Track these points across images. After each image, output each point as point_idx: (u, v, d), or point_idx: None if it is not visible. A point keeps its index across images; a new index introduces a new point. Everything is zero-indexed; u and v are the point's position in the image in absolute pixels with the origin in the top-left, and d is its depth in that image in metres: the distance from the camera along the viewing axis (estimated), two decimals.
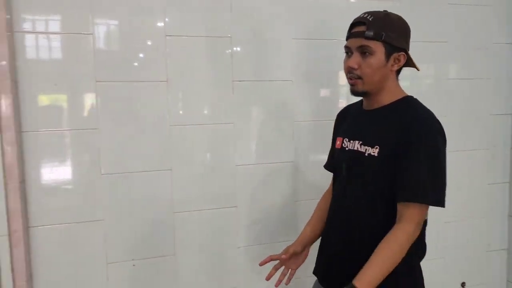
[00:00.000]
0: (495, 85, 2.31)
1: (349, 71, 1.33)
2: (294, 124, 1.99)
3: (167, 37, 1.80)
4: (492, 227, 2.40)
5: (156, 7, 1.78)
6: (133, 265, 1.83)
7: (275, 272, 1.47)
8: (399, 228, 1.22)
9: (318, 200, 1.63)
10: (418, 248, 1.33)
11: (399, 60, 1.33)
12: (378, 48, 1.28)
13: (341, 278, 1.25)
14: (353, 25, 1.34)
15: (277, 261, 1.49)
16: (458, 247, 2.33)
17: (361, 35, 1.28)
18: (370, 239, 1.26)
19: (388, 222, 1.26)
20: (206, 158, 1.91)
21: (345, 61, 1.35)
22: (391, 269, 1.20)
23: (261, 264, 1.47)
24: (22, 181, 1.64)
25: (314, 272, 1.52)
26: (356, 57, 1.30)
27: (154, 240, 1.85)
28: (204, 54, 1.85)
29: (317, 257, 1.52)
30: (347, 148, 1.41)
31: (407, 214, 1.23)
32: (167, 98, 1.81)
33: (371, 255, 1.21)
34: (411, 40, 1.36)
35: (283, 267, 1.50)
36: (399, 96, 1.37)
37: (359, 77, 1.31)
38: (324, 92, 2.08)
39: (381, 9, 1.35)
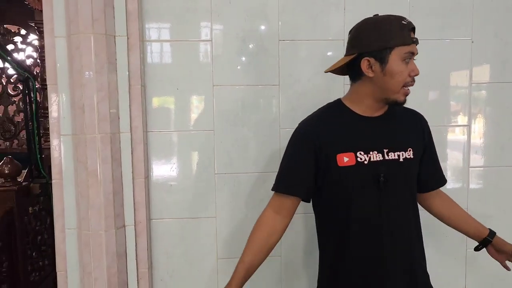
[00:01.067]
0: None
1: (413, 79, 1.28)
2: None
3: (280, 42, 1.83)
4: None
5: (269, 12, 1.82)
6: None
7: None
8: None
9: None
10: None
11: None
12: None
13: None
14: (410, 30, 1.26)
15: None
16: None
17: (417, 42, 1.28)
18: (419, 247, 1.40)
19: (417, 219, 1.40)
20: None
21: (409, 68, 1.26)
22: None
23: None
24: (147, 177, 1.79)
25: None
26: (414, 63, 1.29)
27: None
28: (316, 58, 1.85)
29: None
30: (366, 162, 1.29)
31: None
32: (279, 101, 1.85)
33: (463, 216, 1.50)
34: None
35: None
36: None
37: (412, 82, 1.30)
38: None
39: None
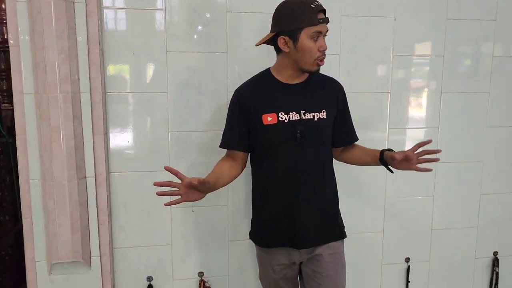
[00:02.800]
0: None
1: (323, 53, 1.54)
2: None
3: (228, 13, 2.03)
4: None
5: None
6: (192, 211, 2.14)
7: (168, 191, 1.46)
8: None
9: None
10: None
11: None
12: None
13: (319, 229, 1.63)
14: (318, 12, 1.50)
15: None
16: (494, 219, 2.44)
17: (327, 21, 1.53)
18: (324, 188, 1.66)
19: (331, 167, 1.71)
20: None
21: (317, 44, 1.51)
22: None
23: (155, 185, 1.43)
24: (106, 134, 1.97)
25: (276, 244, 1.66)
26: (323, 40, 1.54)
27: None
28: (259, 29, 2.07)
29: (275, 230, 1.65)
30: (286, 121, 1.57)
31: None
32: (227, 67, 2.06)
33: (360, 150, 1.77)
34: None
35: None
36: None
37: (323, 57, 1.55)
38: None
39: None
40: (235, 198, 2.17)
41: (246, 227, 2.05)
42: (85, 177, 1.92)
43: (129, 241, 2.10)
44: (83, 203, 1.91)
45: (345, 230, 1.75)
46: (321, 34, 1.52)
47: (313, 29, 1.49)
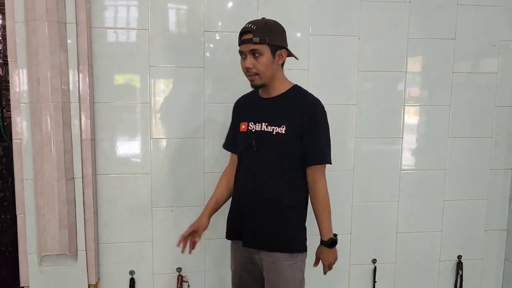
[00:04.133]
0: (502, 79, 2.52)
1: (247, 71, 1.71)
2: None
3: (206, 32, 2.25)
4: (492, 209, 2.63)
5: (195, 7, 2.23)
6: (172, 210, 2.34)
7: (184, 241, 1.88)
8: (320, 185, 1.76)
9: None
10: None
11: (282, 56, 1.73)
12: (265, 50, 1.68)
13: (260, 233, 1.79)
14: (242, 33, 1.71)
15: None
16: (457, 224, 2.60)
17: (250, 41, 1.67)
18: (277, 197, 1.76)
19: (292, 182, 1.77)
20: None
21: (242, 63, 1.73)
22: (330, 214, 1.79)
23: (178, 245, 1.88)
24: (93, 139, 2.20)
25: (232, 237, 1.90)
26: (250, 59, 1.69)
27: (189, 192, 2.35)
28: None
29: (231, 223, 1.90)
30: (253, 130, 1.77)
31: (319, 173, 1.76)
32: (204, 80, 2.27)
33: (316, 213, 1.78)
34: None
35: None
36: (289, 85, 1.79)
37: (256, 74, 1.70)
38: None
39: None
40: None
41: (222, 226, 2.24)
42: (73, 178, 2.13)
43: (113, 237, 2.31)
44: (71, 202, 2.13)
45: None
46: (243, 53, 1.71)
47: (239, 49, 1.72)
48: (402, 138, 2.48)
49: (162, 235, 2.35)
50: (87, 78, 2.12)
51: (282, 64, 1.78)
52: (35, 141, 2.05)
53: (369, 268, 2.55)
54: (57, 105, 2.03)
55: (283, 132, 1.72)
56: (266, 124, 1.76)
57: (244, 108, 1.88)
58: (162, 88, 2.28)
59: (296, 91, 1.80)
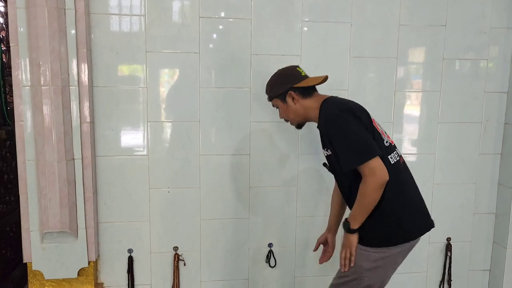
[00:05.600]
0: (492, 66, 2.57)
1: (284, 120, 1.98)
2: None
3: (201, 18, 2.31)
4: (481, 193, 2.70)
5: None
6: (168, 191, 2.43)
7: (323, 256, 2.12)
8: (362, 183, 1.71)
9: None
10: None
11: (291, 95, 1.87)
12: (277, 102, 1.93)
13: None
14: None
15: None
16: (446, 207, 2.67)
17: (269, 100, 1.99)
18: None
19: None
20: (221, 115, 2.43)
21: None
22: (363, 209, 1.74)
23: (314, 250, 2.14)
24: (92, 122, 2.28)
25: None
26: (278, 112, 1.97)
27: (185, 174, 2.44)
28: (231, 32, 2.35)
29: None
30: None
31: (362, 173, 1.69)
32: (199, 65, 2.34)
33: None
34: None
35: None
36: (318, 110, 1.83)
37: (287, 121, 1.96)
38: None
39: None
40: (207, 181, 2.45)
41: (218, 207, 2.35)
42: (73, 159, 2.22)
43: (112, 217, 2.40)
44: (71, 182, 2.22)
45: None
46: (274, 107, 1.99)
47: None
48: (392, 123, 2.55)
49: (159, 215, 2.44)
50: (86, 63, 2.20)
51: (305, 94, 1.86)
52: (36, 123, 2.14)
53: None
54: (57, 89, 2.11)
55: (330, 153, 1.85)
56: (324, 149, 1.92)
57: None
58: (158, 73, 2.35)
59: (320, 112, 1.83)
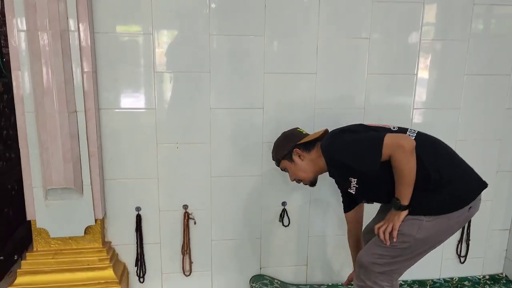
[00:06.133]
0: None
1: (293, 181, 1.98)
2: None
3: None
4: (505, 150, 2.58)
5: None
6: (177, 147, 2.29)
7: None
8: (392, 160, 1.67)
9: None
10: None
11: (297, 153, 1.90)
12: (285, 164, 1.95)
13: None
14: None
15: None
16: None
17: (276, 164, 2.02)
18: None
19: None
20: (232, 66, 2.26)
21: None
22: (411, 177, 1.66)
23: (345, 285, 2.19)
24: (94, 71, 2.11)
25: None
26: (288, 175, 1.98)
27: (194, 128, 2.30)
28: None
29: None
30: None
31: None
32: (210, 17, 2.16)
33: None
34: None
35: None
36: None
37: (300, 181, 1.96)
38: None
39: None
40: (218, 137, 2.31)
41: (229, 164, 2.22)
42: (76, 111, 2.07)
43: (119, 173, 2.28)
44: (74, 135, 2.07)
45: None
46: (282, 170, 2.01)
47: None
48: (416, 75, 2.38)
49: (167, 172, 2.32)
50: (86, 5, 2.01)
51: (309, 147, 1.89)
52: (34, 72, 1.98)
53: None
54: (55, 33, 1.93)
55: (356, 185, 1.82)
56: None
57: None
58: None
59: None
